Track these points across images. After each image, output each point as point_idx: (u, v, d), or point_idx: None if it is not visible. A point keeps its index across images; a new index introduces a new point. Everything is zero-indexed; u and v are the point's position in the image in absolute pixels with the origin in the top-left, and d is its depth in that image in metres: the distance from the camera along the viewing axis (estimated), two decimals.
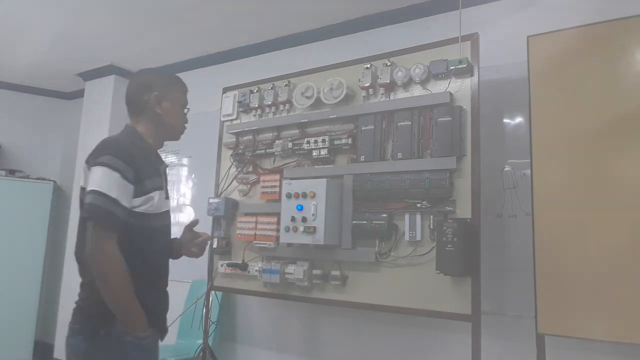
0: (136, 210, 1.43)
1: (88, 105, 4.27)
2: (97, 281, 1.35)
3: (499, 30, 2.38)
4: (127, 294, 1.36)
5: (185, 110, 1.68)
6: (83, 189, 1.45)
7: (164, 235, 1.59)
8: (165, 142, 1.70)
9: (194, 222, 1.76)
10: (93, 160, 1.41)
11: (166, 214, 1.59)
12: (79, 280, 1.49)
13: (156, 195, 1.49)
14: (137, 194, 1.42)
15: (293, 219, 2.29)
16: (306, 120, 2.51)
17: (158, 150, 1.66)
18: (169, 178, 1.72)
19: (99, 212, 1.34)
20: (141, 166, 1.45)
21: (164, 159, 1.68)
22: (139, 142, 1.55)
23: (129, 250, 1.39)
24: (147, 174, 1.47)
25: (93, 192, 1.36)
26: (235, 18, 3.09)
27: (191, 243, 1.75)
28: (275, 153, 2.60)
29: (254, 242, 2.57)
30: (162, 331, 1.53)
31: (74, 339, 1.41)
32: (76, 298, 1.48)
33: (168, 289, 1.61)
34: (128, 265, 1.38)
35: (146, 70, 1.69)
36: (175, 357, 2.83)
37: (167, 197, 1.61)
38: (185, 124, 1.69)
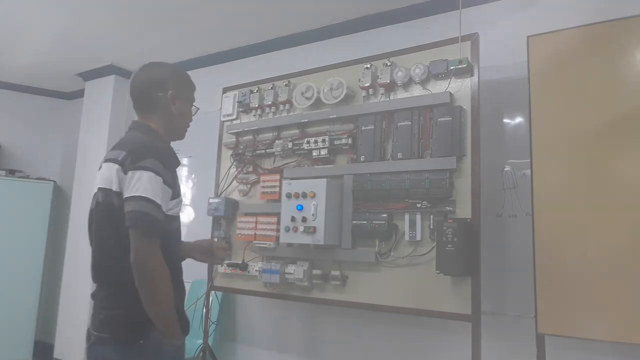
0: (168, 213, 1.39)
1: (88, 105, 4.27)
2: (145, 289, 1.28)
3: (499, 30, 2.38)
4: (169, 303, 1.33)
5: (194, 110, 1.65)
6: (105, 190, 1.39)
7: (179, 236, 1.56)
8: None
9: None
10: (133, 164, 1.33)
11: (179, 216, 1.56)
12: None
13: (181, 197, 1.48)
14: (172, 197, 1.40)
15: (293, 219, 2.29)
16: (306, 120, 2.51)
17: None
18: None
19: (147, 219, 1.28)
20: (173, 169, 1.43)
21: None
22: (163, 143, 1.49)
23: (164, 255, 1.34)
24: (176, 177, 1.45)
25: (140, 198, 1.29)
26: (235, 18, 3.09)
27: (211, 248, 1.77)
28: (275, 153, 2.60)
29: (254, 242, 2.57)
30: (186, 331, 1.48)
31: (104, 349, 1.34)
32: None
33: None
34: None
35: (158, 64, 1.59)
36: None
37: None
38: (189, 120, 1.65)
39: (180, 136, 1.63)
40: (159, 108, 1.52)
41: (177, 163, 1.48)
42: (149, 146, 1.40)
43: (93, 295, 1.42)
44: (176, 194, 1.42)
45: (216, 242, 1.79)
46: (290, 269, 2.40)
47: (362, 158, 2.29)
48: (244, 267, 2.61)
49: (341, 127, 2.41)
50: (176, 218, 1.49)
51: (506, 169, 2.31)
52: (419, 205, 2.10)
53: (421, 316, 2.13)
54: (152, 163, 1.32)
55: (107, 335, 1.34)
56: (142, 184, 1.30)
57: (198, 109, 1.67)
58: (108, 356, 1.32)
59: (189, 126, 1.64)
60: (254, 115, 2.78)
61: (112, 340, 1.33)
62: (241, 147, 2.77)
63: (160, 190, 1.32)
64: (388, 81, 2.24)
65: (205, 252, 1.77)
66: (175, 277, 1.40)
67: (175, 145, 1.70)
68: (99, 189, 1.42)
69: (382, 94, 2.30)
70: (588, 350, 2.00)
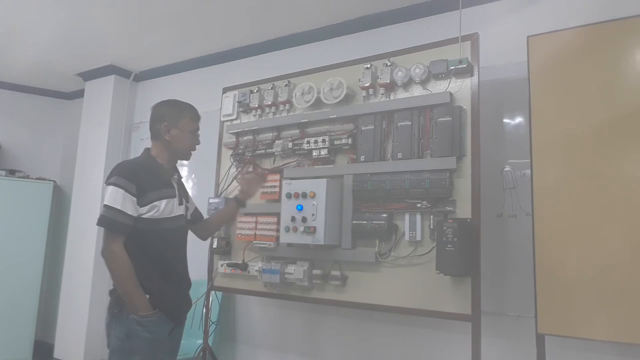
0: (144, 216, 1.79)
1: (88, 105, 4.27)
2: (109, 273, 1.76)
3: (499, 30, 2.38)
4: (128, 282, 1.73)
5: (189, 135, 1.95)
6: None
7: (177, 235, 1.95)
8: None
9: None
10: (107, 181, 1.80)
11: (179, 218, 1.94)
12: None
13: (162, 203, 1.83)
14: (142, 204, 1.78)
15: (293, 219, 2.29)
16: (306, 120, 2.51)
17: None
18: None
19: (106, 220, 1.74)
20: (145, 181, 1.80)
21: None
22: (150, 162, 1.90)
23: (142, 248, 1.79)
24: (152, 187, 1.81)
25: (104, 205, 1.76)
26: (235, 18, 3.09)
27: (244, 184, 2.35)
28: (275, 153, 2.60)
29: (254, 242, 2.57)
30: (172, 316, 1.84)
31: (106, 315, 1.84)
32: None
33: None
34: (140, 260, 1.77)
35: (162, 102, 1.99)
36: None
37: (180, 203, 1.95)
38: (196, 144, 1.99)
39: (183, 157, 2.00)
40: (158, 137, 1.93)
41: (155, 177, 1.85)
42: (120, 166, 1.84)
43: None
44: (148, 201, 1.79)
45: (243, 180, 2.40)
46: (290, 269, 2.40)
47: (362, 158, 2.29)
48: (244, 267, 2.61)
49: (341, 127, 2.41)
50: (170, 219, 1.87)
51: (506, 169, 2.31)
52: (419, 205, 2.10)
53: (421, 316, 2.13)
54: (115, 179, 1.77)
55: (108, 304, 1.85)
56: (107, 195, 1.77)
57: (198, 134, 2.00)
58: (106, 319, 1.84)
59: (192, 148, 1.99)
60: (254, 115, 2.78)
61: (108, 308, 1.84)
62: (241, 147, 2.77)
63: (121, 198, 1.74)
64: (388, 81, 2.24)
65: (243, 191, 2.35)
66: (163, 267, 1.84)
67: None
68: None
69: (382, 94, 2.30)
70: (588, 350, 2.00)
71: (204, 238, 2.30)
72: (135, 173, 1.80)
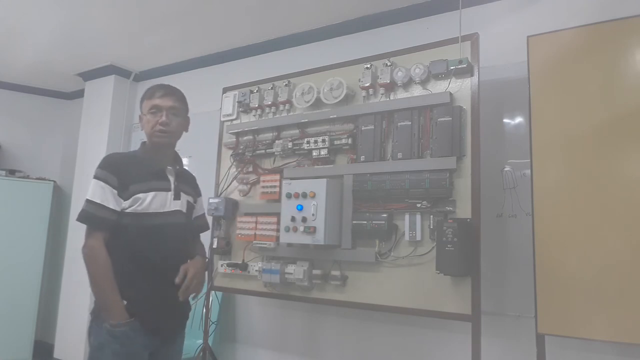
0: (127, 210, 1.65)
1: (88, 105, 4.27)
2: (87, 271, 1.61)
3: (499, 30, 2.38)
4: (103, 284, 1.57)
5: (143, 117, 1.79)
6: None
7: (169, 233, 1.73)
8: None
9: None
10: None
11: (173, 214, 1.75)
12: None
13: (148, 196, 1.67)
14: (125, 197, 1.65)
15: (293, 219, 2.29)
16: (306, 120, 2.51)
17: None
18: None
19: (85, 215, 1.63)
20: (128, 173, 1.67)
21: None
22: (139, 153, 1.79)
23: (124, 246, 1.64)
24: (136, 179, 1.67)
25: (85, 200, 1.64)
26: (235, 18, 3.09)
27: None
28: (275, 153, 2.60)
29: (254, 242, 2.57)
30: (150, 328, 1.62)
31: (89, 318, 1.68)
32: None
33: None
34: (120, 260, 1.61)
35: None
36: None
37: (177, 198, 1.78)
38: (158, 124, 1.74)
39: (153, 142, 1.79)
40: None
41: (140, 168, 1.70)
42: (105, 158, 1.72)
43: None
44: (129, 194, 1.64)
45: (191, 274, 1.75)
46: (290, 269, 2.40)
47: (362, 158, 2.29)
48: (244, 267, 2.61)
49: (341, 127, 2.41)
50: (159, 214, 1.70)
51: (506, 169, 2.31)
52: (419, 205, 2.10)
53: (421, 316, 2.13)
54: (97, 171, 1.66)
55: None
56: (89, 189, 1.65)
57: (159, 111, 1.76)
58: (88, 323, 1.67)
59: (155, 129, 1.75)
60: (254, 115, 2.78)
61: (90, 312, 1.68)
62: (241, 147, 2.77)
63: (101, 191, 1.62)
64: (388, 81, 2.24)
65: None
66: (145, 268, 1.65)
67: (176, 145, 1.86)
68: None
69: (382, 94, 2.30)
70: (588, 350, 2.00)
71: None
72: (117, 164, 1.68)
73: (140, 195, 1.66)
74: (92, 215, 1.62)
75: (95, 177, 1.65)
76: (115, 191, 1.64)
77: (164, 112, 1.76)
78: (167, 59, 3.84)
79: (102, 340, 1.57)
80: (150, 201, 1.68)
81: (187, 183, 1.89)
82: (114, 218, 1.63)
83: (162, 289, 1.68)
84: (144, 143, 1.82)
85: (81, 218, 1.64)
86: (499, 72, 2.33)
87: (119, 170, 1.66)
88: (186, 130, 1.90)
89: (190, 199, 1.88)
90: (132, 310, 1.58)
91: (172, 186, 1.77)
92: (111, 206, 1.62)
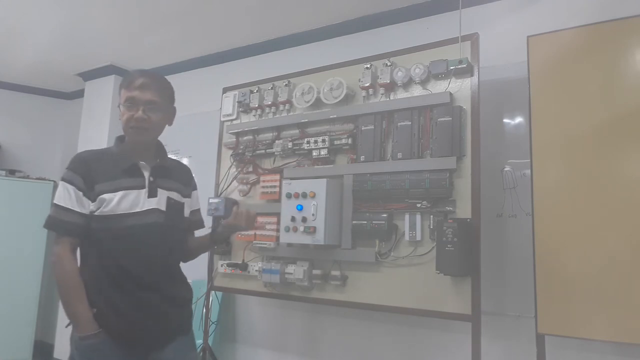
0: (95, 214, 1.52)
1: (88, 105, 4.28)
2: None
3: (499, 30, 2.37)
4: (69, 292, 1.46)
5: (132, 106, 1.58)
6: None
7: (145, 234, 1.56)
8: (166, 142, 1.76)
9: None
10: None
11: (148, 213, 1.57)
12: None
13: (116, 196, 1.52)
14: (91, 199, 1.52)
15: (293, 219, 2.29)
16: (306, 120, 2.51)
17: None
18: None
19: (50, 220, 1.51)
20: (94, 172, 1.53)
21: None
22: (110, 149, 1.64)
23: (94, 253, 1.53)
24: (102, 178, 1.53)
25: (52, 203, 1.53)
26: (235, 18, 3.09)
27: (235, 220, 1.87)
28: (275, 153, 2.60)
29: (254, 242, 2.57)
30: (124, 339, 1.48)
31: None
32: None
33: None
34: (92, 268, 1.51)
35: None
36: None
37: (153, 195, 1.59)
38: (132, 118, 1.57)
39: (129, 138, 1.64)
40: None
41: (107, 166, 1.56)
42: (73, 157, 1.58)
43: None
44: (94, 195, 1.50)
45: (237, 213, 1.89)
46: (290, 269, 2.40)
47: (362, 158, 2.29)
48: (244, 267, 2.61)
49: (341, 127, 2.41)
50: (126, 216, 1.53)
51: (506, 169, 2.31)
52: (419, 205, 2.10)
53: (421, 316, 2.13)
54: (65, 172, 1.54)
55: None
56: (57, 192, 1.53)
57: (133, 103, 1.59)
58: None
59: (129, 124, 1.59)
60: (254, 115, 2.78)
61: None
62: (241, 147, 2.77)
63: (66, 194, 1.50)
64: (388, 81, 2.24)
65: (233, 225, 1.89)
66: (117, 275, 1.50)
67: (175, 145, 1.75)
68: None
69: (382, 94, 2.30)
70: (588, 350, 2.00)
71: (184, 259, 1.79)
72: (83, 163, 1.54)
73: (106, 195, 1.51)
74: (58, 220, 1.49)
75: (62, 178, 1.53)
76: (81, 192, 1.50)
77: (141, 107, 1.57)
78: (167, 59, 3.84)
79: (72, 351, 1.49)
80: (119, 201, 1.51)
81: (171, 177, 1.68)
82: (81, 222, 1.49)
83: (136, 296, 1.51)
84: (119, 137, 1.67)
85: (47, 224, 1.51)
86: (499, 72, 2.33)
87: (85, 170, 1.52)
88: (170, 123, 1.71)
89: (175, 195, 1.67)
90: (100, 321, 1.45)
91: (147, 182, 1.59)
92: (77, 209, 1.49)
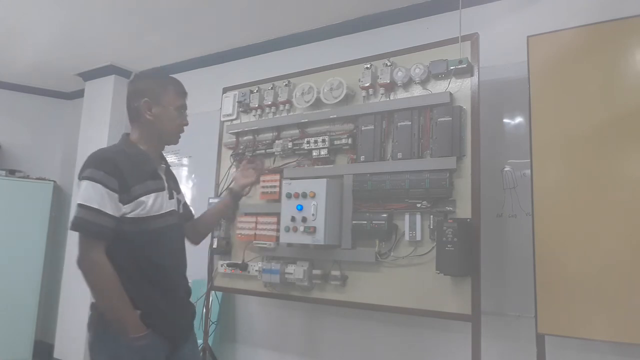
0: (129, 216, 1.49)
1: (88, 105, 4.27)
2: (89, 287, 1.46)
3: (499, 30, 2.38)
4: (114, 298, 1.44)
5: (178, 112, 1.67)
6: None
7: (170, 235, 1.64)
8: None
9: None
10: (79, 175, 1.50)
11: (170, 214, 1.64)
12: (78, 280, 1.52)
13: (150, 198, 1.54)
14: (125, 201, 1.48)
15: (293, 219, 2.29)
16: (306, 120, 2.51)
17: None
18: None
19: (82, 223, 1.43)
20: (127, 174, 1.49)
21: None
22: (130, 149, 1.58)
23: (127, 254, 1.49)
24: (136, 180, 1.51)
25: (77, 205, 1.45)
26: (235, 18, 3.09)
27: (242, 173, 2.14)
28: (275, 153, 2.60)
29: (254, 242, 2.57)
30: (169, 335, 1.54)
31: (88, 333, 1.54)
32: (76, 299, 1.56)
33: None
34: (124, 269, 1.47)
35: (140, 75, 1.71)
36: None
37: (171, 197, 1.66)
38: (183, 125, 1.70)
39: (169, 141, 1.70)
40: (138, 118, 1.62)
41: (139, 167, 1.55)
42: (95, 156, 1.53)
43: None
44: (132, 197, 1.49)
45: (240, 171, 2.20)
46: (290, 269, 2.40)
47: (362, 158, 2.29)
48: (244, 267, 2.61)
49: (341, 127, 2.41)
50: (159, 217, 1.57)
51: (506, 169, 2.31)
52: (419, 205, 2.10)
53: (421, 316, 2.13)
54: (91, 172, 1.47)
55: (89, 321, 1.54)
56: (81, 192, 1.46)
57: (184, 110, 1.69)
58: (89, 339, 1.54)
59: (178, 130, 1.68)
60: (254, 115, 2.78)
61: (89, 326, 1.53)
62: (241, 147, 2.77)
63: (99, 195, 1.44)
64: (388, 81, 2.24)
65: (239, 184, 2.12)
66: (156, 276, 1.54)
67: (175, 145, 1.75)
68: None
69: (382, 94, 2.30)
70: (588, 350, 2.01)
71: (195, 242, 1.93)
72: (115, 164, 1.48)
73: (143, 198, 1.51)
74: (89, 222, 1.43)
75: (90, 178, 1.45)
76: (116, 195, 1.46)
77: (186, 114, 1.70)
78: (167, 59, 3.84)
79: (118, 354, 1.45)
80: (152, 204, 1.54)
81: (173, 180, 1.75)
82: (112, 225, 1.45)
83: (170, 293, 1.59)
84: (128, 135, 1.64)
85: (76, 226, 1.44)
86: (499, 72, 2.33)
87: (118, 171, 1.47)
88: None
89: (180, 197, 1.78)
90: (146, 321, 1.47)
91: (166, 185, 1.65)
92: (110, 212, 1.44)
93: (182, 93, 1.69)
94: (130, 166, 1.52)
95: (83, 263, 1.45)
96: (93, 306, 1.53)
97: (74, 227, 1.45)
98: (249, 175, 2.16)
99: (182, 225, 1.75)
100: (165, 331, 1.53)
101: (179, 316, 1.64)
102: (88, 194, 1.45)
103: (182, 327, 1.65)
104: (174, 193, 1.70)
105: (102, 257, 1.44)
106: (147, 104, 1.60)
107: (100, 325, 1.49)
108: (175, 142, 1.71)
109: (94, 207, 1.43)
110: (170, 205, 1.64)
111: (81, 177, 1.49)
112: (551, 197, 1.94)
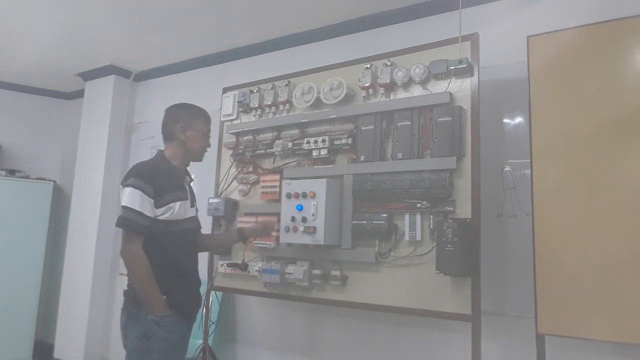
0: (160, 218, 1.85)
1: (88, 105, 4.27)
2: (127, 272, 1.83)
3: (499, 30, 2.37)
4: (147, 283, 1.78)
5: (203, 137, 2.06)
6: None
7: (189, 237, 2.01)
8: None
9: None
10: (124, 182, 1.86)
11: (191, 219, 2.00)
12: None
13: (177, 205, 1.89)
14: (158, 205, 1.84)
15: (293, 219, 2.29)
16: (306, 120, 2.51)
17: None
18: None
19: (125, 221, 1.80)
20: (161, 183, 1.86)
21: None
22: (164, 164, 1.96)
23: (157, 249, 1.84)
24: (167, 189, 1.87)
25: (122, 207, 1.82)
26: (235, 18, 3.09)
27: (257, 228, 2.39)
28: (275, 153, 2.60)
29: (254, 242, 2.57)
30: (186, 316, 1.93)
31: (121, 315, 1.91)
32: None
33: None
34: (155, 261, 1.81)
35: (177, 105, 2.10)
36: None
37: (192, 206, 2.02)
38: (207, 147, 2.10)
39: (196, 158, 2.08)
40: (173, 138, 2.01)
41: (170, 179, 1.92)
42: (137, 167, 1.90)
43: None
44: (164, 203, 1.85)
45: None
46: (290, 269, 2.40)
47: (362, 158, 2.29)
48: (244, 267, 2.61)
49: (341, 127, 2.41)
50: (182, 221, 1.93)
51: (506, 169, 2.31)
52: (419, 205, 2.10)
53: (421, 316, 2.13)
54: (133, 180, 1.83)
55: (123, 305, 1.92)
56: (125, 197, 1.83)
57: (209, 134, 2.11)
58: (122, 320, 1.91)
59: (204, 149, 2.09)
60: (254, 115, 2.78)
61: (124, 309, 1.91)
62: (241, 147, 2.77)
63: (139, 200, 1.80)
64: (388, 81, 2.24)
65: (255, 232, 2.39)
66: (178, 267, 1.91)
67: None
68: None
69: (382, 94, 2.30)
70: (588, 350, 2.00)
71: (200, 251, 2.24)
72: (152, 175, 1.86)
73: (172, 204, 1.87)
74: (132, 221, 1.79)
75: (133, 185, 1.81)
76: (152, 200, 1.82)
77: (210, 138, 2.12)
78: (167, 59, 3.84)
79: (149, 328, 1.79)
80: (178, 209, 1.89)
81: (192, 193, 2.08)
82: (149, 224, 1.81)
83: (188, 282, 1.98)
84: (163, 152, 2.01)
85: (121, 224, 1.81)
86: (499, 72, 2.33)
87: (154, 180, 1.84)
88: None
89: (197, 207, 2.12)
90: (170, 303, 1.81)
91: (189, 196, 1.99)
92: (147, 213, 1.80)
93: (209, 121, 2.11)
94: (164, 177, 1.89)
95: (125, 253, 1.80)
96: (126, 292, 1.90)
97: (119, 224, 1.82)
98: (266, 232, 2.42)
99: (198, 230, 2.11)
100: (184, 312, 1.90)
101: (194, 302, 2.00)
102: (131, 198, 1.80)
103: (195, 311, 2.01)
104: (195, 203, 2.06)
105: (140, 250, 1.79)
106: (182, 127, 1.99)
107: (135, 306, 1.84)
108: (200, 159, 2.09)
109: (136, 209, 1.79)
110: (191, 213, 2.01)
111: (125, 185, 1.84)
112: (551, 197, 1.94)
